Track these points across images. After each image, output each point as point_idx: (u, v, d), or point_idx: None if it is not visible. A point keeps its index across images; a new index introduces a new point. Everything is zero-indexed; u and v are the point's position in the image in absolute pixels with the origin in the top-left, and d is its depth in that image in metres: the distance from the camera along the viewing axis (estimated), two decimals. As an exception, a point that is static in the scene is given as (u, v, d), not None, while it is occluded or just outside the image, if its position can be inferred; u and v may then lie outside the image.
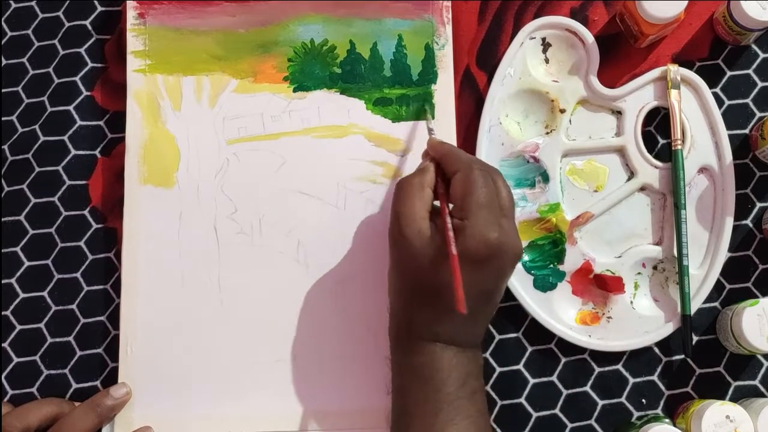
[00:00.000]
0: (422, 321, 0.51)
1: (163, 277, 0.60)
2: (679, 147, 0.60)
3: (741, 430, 0.53)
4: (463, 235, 0.49)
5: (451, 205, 0.51)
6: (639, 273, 0.61)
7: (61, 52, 0.64)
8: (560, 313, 0.60)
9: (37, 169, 0.63)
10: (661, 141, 0.62)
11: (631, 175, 0.62)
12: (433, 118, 0.61)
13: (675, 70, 0.61)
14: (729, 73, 0.63)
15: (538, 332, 0.60)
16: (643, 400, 0.60)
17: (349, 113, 0.62)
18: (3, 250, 0.62)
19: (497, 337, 0.61)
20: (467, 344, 0.52)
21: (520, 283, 0.60)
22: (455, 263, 0.48)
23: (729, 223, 0.60)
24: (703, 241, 0.61)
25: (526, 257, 0.61)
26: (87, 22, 0.65)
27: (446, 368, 0.50)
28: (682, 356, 0.60)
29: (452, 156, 0.53)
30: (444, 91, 0.62)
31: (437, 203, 0.53)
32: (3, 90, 0.64)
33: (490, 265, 0.50)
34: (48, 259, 0.62)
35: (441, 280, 0.49)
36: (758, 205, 0.61)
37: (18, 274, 0.62)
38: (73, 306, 0.61)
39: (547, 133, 0.62)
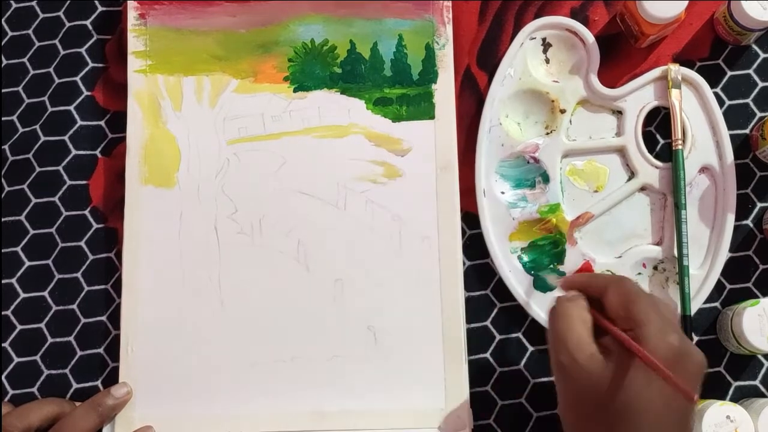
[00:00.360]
0: None
1: (163, 277, 0.60)
2: (680, 147, 0.60)
3: (741, 430, 0.53)
4: (643, 342, 0.45)
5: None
6: (639, 273, 0.61)
7: (62, 52, 0.64)
8: (560, 313, 0.60)
9: (38, 169, 0.63)
10: (662, 141, 0.62)
11: (632, 175, 0.62)
12: (423, 118, 0.61)
13: (676, 70, 0.61)
14: (729, 73, 0.63)
15: (539, 332, 0.60)
16: (644, 401, 0.60)
17: (349, 113, 0.62)
18: (3, 250, 0.62)
19: (498, 337, 0.61)
20: None
21: (520, 284, 0.60)
22: (653, 360, 0.44)
23: (729, 223, 0.60)
24: (704, 242, 0.61)
25: (526, 258, 0.61)
26: (88, 22, 0.65)
27: None
28: (683, 356, 0.60)
29: (596, 278, 0.51)
30: (444, 91, 0.62)
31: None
32: (3, 90, 0.64)
33: (681, 370, 0.45)
34: (49, 259, 0.62)
35: (625, 398, 0.45)
36: (759, 205, 0.61)
37: (18, 274, 0.62)
38: (74, 306, 0.62)
39: (548, 134, 0.62)
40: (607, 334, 0.47)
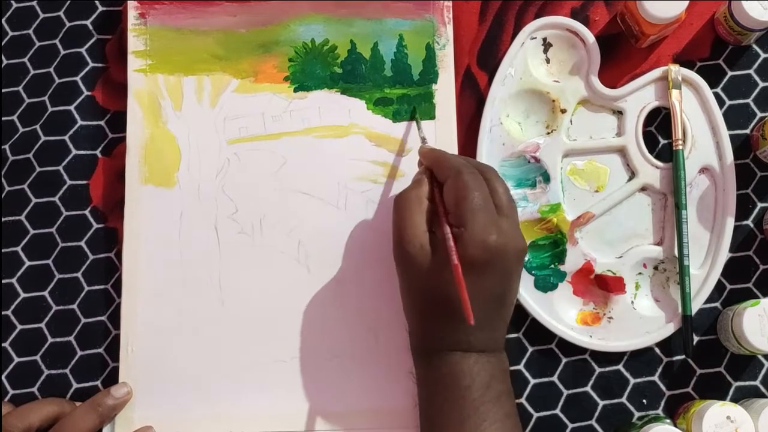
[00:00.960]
0: (438, 333, 0.51)
1: (163, 277, 0.60)
2: (680, 147, 0.60)
3: (742, 430, 0.53)
4: (462, 243, 0.49)
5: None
6: (640, 273, 0.61)
7: (62, 52, 0.64)
8: (561, 313, 0.60)
9: (38, 169, 0.63)
10: (662, 141, 0.62)
11: (632, 175, 0.61)
12: (423, 118, 0.61)
13: (676, 70, 0.61)
14: (730, 73, 0.63)
15: (539, 332, 0.60)
16: (644, 401, 0.60)
17: (349, 113, 0.62)
18: (4, 250, 0.62)
19: (498, 337, 0.61)
20: (488, 349, 0.51)
21: (521, 284, 0.60)
22: (459, 275, 0.47)
23: (730, 223, 0.60)
24: (704, 242, 0.61)
25: (527, 257, 0.61)
26: (88, 22, 0.65)
27: (468, 375, 0.50)
28: (683, 356, 0.60)
29: (442, 163, 0.53)
30: (445, 91, 0.62)
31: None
32: (4, 90, 0.64)
33: (494, 269, 0.49)
34: (49, 259, 0.62)
35: (449, 291, 0.49)
36: (759, 205, 0.61)
37: (19, 273, 0.62)
38: (74, 306, 0.61)
39: (548, 134, 0.62)
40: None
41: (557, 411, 0.60)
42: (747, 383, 0.60)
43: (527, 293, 0.60)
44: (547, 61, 0.63)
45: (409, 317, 0.54)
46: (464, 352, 0.50)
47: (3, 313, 0.61)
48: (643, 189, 0.61)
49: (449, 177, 0.51)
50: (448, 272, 0.48)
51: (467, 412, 0.49)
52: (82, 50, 0.64)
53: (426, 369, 0.53)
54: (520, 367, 0.60)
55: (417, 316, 0.53)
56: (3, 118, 0.63)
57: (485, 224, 0.49)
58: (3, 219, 0.62)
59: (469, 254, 0.48)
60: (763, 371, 0.60)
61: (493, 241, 0.49)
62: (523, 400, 0.60)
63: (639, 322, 0.60)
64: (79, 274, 0.62)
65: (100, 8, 0.65)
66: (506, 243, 0.49)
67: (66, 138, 0.63)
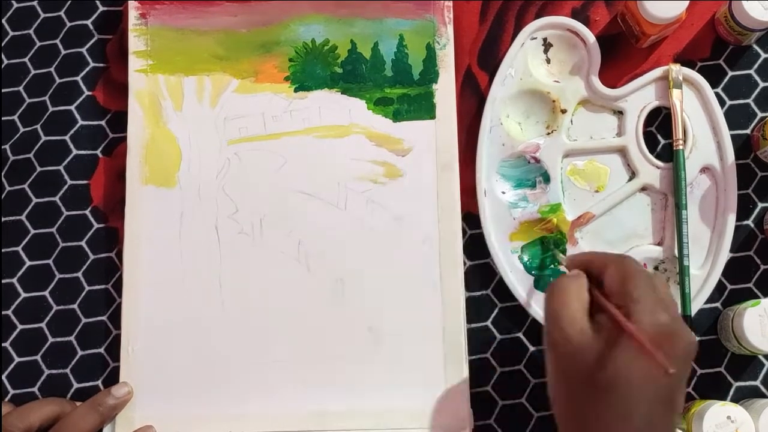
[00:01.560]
0: (599, 425, 0.46)
1: (164, 277, 0.60)
2: (681, 147, 0.60)
3: (742, 430, 0.53)
4: (630, 317, 0.45)
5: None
6: (640, 273, 0.61)
7: (63, 52, 0.64)
8: (561, 313, 0.60)
9: (39, 169, 0.63)
10: (663, 141, 0.62)
11: (633, 175, 0.61)
12: (424, 118, 0.61)
13: (677, 70, 0.61)
14: (730, 74, 0.63)
15: (540, 332, 0.60)
16: (644, 401, 0.60)
17: (350, 113, 0.62)
18: (4, 250, 0.62)
19: (498, 337, 0.61)
20: None
21: (521, 284, 0.60)
22: (634, 332, 0.44)
23: (730, 223, 0.60)
24: (705, 242, 0.61)
25: (526, 257, 0.61)
26: (89, 22, 0.65)
27: None
28: (684, 357, 0.60)
29: (598, 256, 0.51)
30: (445, 91, 0.62)
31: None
32: (4, 90, 0.64)
33: (662, 350, 0.44)
34: (49, 259, 0.62)
35: (611, 372, 0.45)
36: (760, 205, 0.61)
37: (19, 273, 0.62)
38: (75, 306, 0.62)
39: (548, 134, 0.62)
40: (603, 313, 0.47)
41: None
42: (747, 383, 0.60)
43: (527, 293, 0.60)
44: (548, 61, 0.63)
45: (563, 410, 0.49)
46: None
47: (3, 312, 0.61)
48: (643, 189, 0.61)
49: (610, 264, 0.48)
50: (613, 349, 0.45)
51: None
52: (83, 50, 0.64)
53: None
54: (521, 366, 0.60)
55: (573, 408, 0.48)
56: (3, 118, 0.63)
57: (655, 303, 0.46)
58: (3, 219, 0.62)
59: (640, 325, 0.45)
60: (764, 371, 0.60)
61: (666, 320, 0.45)
62: (523, 400, 0.60)
63: (639, 322, 0.60)
64: (79, 274, 0.62)
65: (101, 8, 0.65)
66: (676, 328, 0.46)
67: (67, 138, 0.63)
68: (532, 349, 0.61)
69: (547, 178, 0.61)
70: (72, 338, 0.61)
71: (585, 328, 0.47)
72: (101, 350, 0.61)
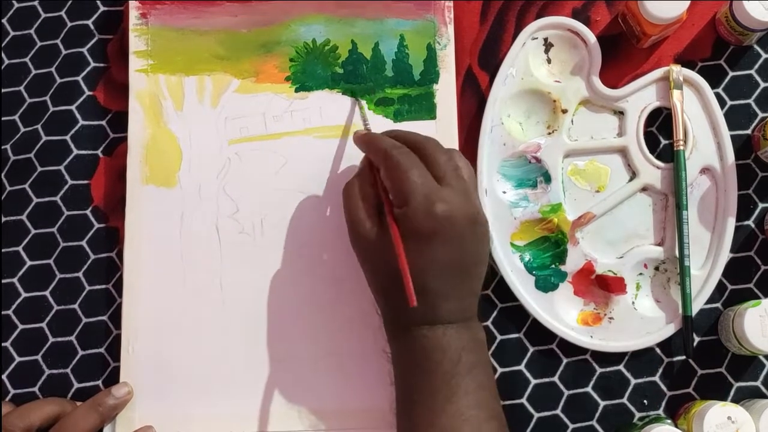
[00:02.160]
0: (402, 310, 0.50)
1: (164, 277, 0.60)
2: (681, 147, 0.60)
3: (743, 431, 0.53)
4: (405, 219, 0.50)
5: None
6: (640, 274, 0.61)
7: (64, 52, 0.64)
8: (562, 313, 0.60)
9: (39, 169, 0.63)
10: (663, 141, 0.62)
11: (633, 175, 0.61)
12: (424, 118, 0.61)
13: (677, 71, 0.61)
14: (731, 74, 0.63)
15: (540, 333, 0.60)
16: (645, 401, 0.60)
17: (350, 113, 0.62)
18: (5, 250, 0.62)
19: (499, 337, 0.61)
20: (456, 320, 0.51)
21: (521, 284, 0.60)
22: (400, 249, 0.48)
23: (731, 223, 0.60)
24: (705, 242, 0.61)
25: (527, 257, 0.61)
26: (89, 22, 0.65)
27: (438, 348, 0.50)
28: (684, 357, 0.60)
29: (372, 148, 0.54)
30: (446, 91, 0.62)
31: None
32: (5, 89, 0.64)
33: (443, 237, 0.50)
34: (50, 259, 0.62)
35: (390, 266, 0.49)
36: (760, 205, 0.61)
37: (20, 273, 0.62)
38: (75, 306, 0.62)
39: (549, 134, 0.62)
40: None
41: (558, 411, 0.60)
42: (748, 384, 0.60)
43: (528, 293, 0.60)
44: (549, 61, 0.63)
45: (376, 297, 0.55)
46: (431, 326, 0.50)
47: (4, 312, 0.61)
48: (644, 189, 0.61)
49: (380, 162, 0.52)
50: (390, 249, 0.49)
51: (438, 385, 0.49)
52: (84, 50, 0.64)
53: (396, 346, 0.53)
54: (521, 367, 0.60)
55: (381, 296, 0.54)
56: (4, 118, 0.63)
57: (425, 197, 0.49)
58: (4, 219, 0.62)
59: (414, 227, 0.49)
60: (764, 372, 0.60)
61: (438, 210, 0.49)
62: (523, 401, 0.60)
63: (640, 322, 0.60)
64: (80, 274, 0.62)
65: (102, 8, 0.65)
66: (452, 210, 0.49)
67: (67, 138, 0.63)
68: (532, 349, 0.60)
69: (548, 178, 0.61)
70: (72, 338, 0.61)
71: (369, 228, 0.52)
72: (101, 350, 0.61)
